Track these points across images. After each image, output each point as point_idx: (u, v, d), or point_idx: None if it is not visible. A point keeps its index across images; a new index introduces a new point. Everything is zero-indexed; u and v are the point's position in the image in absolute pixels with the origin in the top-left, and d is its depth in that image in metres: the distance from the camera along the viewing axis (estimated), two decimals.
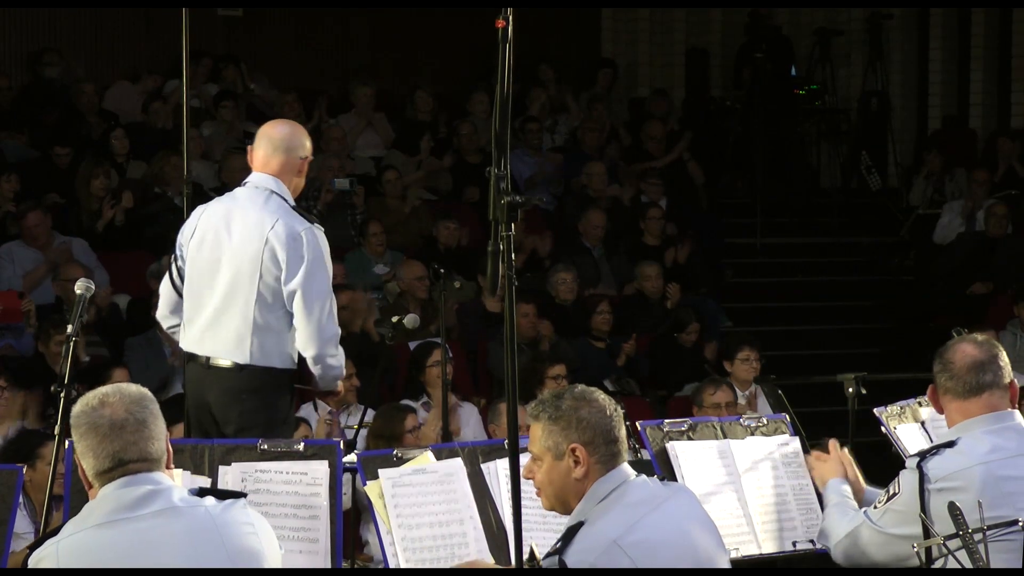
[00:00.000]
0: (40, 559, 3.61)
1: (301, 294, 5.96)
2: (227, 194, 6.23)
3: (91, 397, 3.71)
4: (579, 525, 4.02)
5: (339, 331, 6.12)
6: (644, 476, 4.18)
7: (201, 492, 3.73)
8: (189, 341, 6.13)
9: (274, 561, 3.79)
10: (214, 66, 13.51)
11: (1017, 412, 4.61)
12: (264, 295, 5.99)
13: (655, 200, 12.97)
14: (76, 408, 3.71)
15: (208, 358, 6.05)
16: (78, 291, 5.74)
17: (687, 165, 13.91)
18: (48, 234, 10.62)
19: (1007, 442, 4.52)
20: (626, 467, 4.15)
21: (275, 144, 6.12)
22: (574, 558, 3.93)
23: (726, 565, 4.20)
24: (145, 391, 3.77)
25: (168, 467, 3.76)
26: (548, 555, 4.02)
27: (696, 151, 14.27)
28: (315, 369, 6.10)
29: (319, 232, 6.05)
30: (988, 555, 4.19)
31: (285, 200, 6.08)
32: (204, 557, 3.63)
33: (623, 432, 4.16)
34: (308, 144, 6.25)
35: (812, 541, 5.08)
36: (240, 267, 6.01)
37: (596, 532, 3.99)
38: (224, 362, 6.02)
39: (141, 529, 3.59)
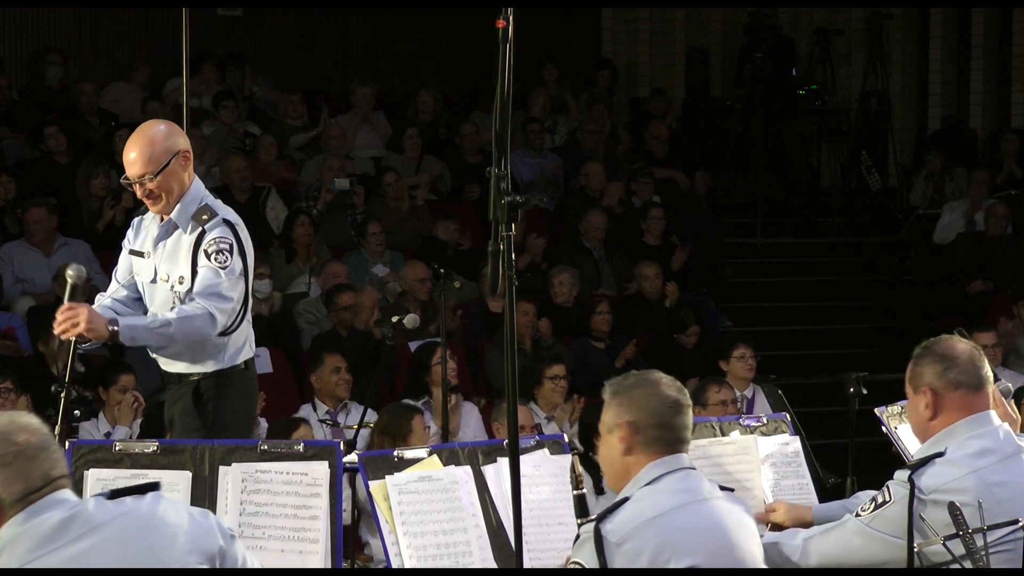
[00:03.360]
0: None
1: None
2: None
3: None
4: (624, 500, 4.12)
5: None
6: (702, 473, 4.26)
7: (113, 494, 3.63)
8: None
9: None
10: (217, 65, 13.51)
11: (994, 412, 4.56)
12: None
13: (645, 199, 12.97)
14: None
15: None
16: (69, 280, 5.73)
17: (695, 184, 13.90)
18: (50, 234, 10.62)
19: (994, 445, 4.46)
20: (684, 458, 4.21)
21: None
22: (610, 527, 4.04)
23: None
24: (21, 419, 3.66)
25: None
26: (587, 521, 4.13)
27: (696, 153, 14.27)
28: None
29: None
30: (988, 555, 4.19)
31: None
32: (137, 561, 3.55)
33: (684, 422, 4.20)
34: None
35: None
36: None
37: (638, 509, 4.09)
38: None
39: (72, 556, 3.49)
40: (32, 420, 3.63)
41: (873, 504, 4.48)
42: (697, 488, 4.16)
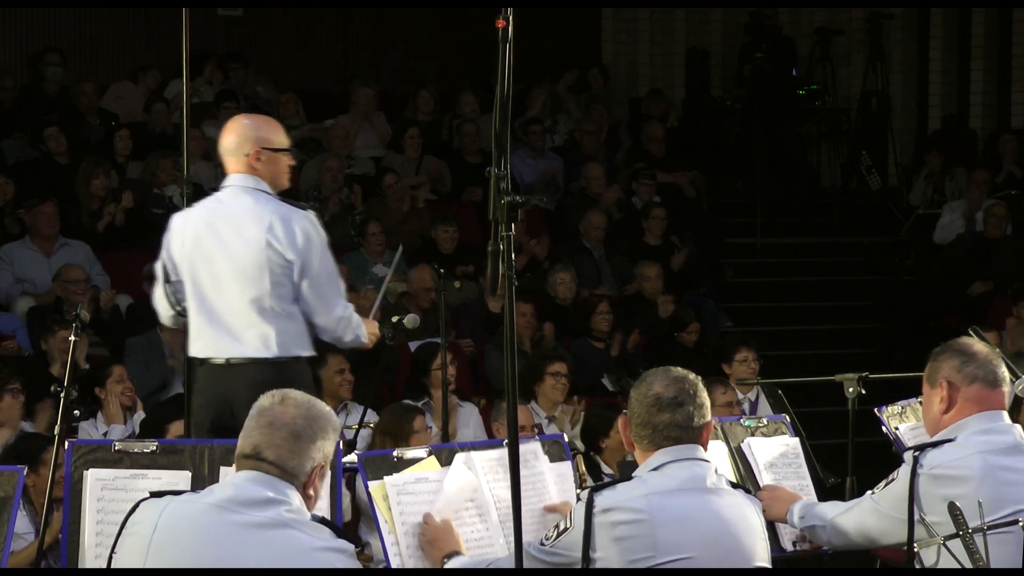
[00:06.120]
0: (140, 520, 3.67)
1: (310, 281, 6.03)
2: (207, 199, 6.14)
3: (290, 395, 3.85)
4: (629, 477, 4.19)
5: (349, 307, 6.20)
6: (718, 469, 4.28)
7: (322, 521, 3.75)
8: (202, 347, 6.06)
9: None
10: (219, 65, 13.50)
11: (1006, 413, 4.65)
12: (277, 286, 5.99)
13: (645, 200, 12.96)
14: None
15: (228, 359, 6.02)
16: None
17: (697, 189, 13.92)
18: (54, 232, 10.61)
19: (1005, 438, 4.57)
20: (698, 449, 4.21)
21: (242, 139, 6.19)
22: (602, 497, 4.09)
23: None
24: (316, 409, 3.84)
25: (308, 493, 3.79)
26: (584, 487, 4.23)
27: (696, 153, 14.27)
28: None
29: (313, 217, 6.12)
30: (988, 555, 4.20)
31: (269, 193, 6.09)
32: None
33: (672, 418, 4.17)
34: (273, 136, 6.24)
35: (810, 541, 5.03)
36: (245, 266, 5.98)
37: (638, 486, 4.14)
38: (248, 359, 6.02)
39: (240, 526, 3.63)
40: (325, 408, 3.83)
41: (884, 483, 4.60)
42: (700, 477, 4.17)
